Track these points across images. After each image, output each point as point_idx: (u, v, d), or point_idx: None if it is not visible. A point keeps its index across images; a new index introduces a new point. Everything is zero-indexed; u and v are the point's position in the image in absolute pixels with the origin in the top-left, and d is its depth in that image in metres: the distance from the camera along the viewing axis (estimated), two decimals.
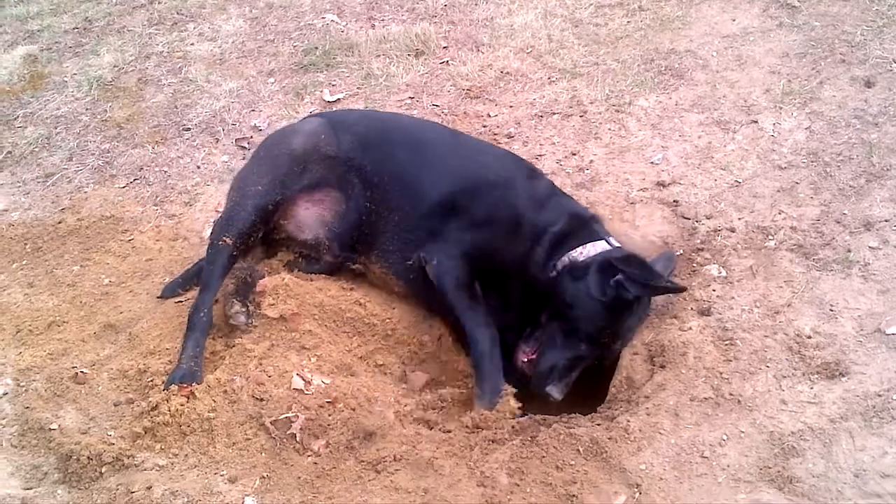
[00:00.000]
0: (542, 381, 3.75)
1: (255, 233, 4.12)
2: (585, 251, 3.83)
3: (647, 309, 3.80)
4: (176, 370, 3.71)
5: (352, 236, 4.22)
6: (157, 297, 4.28)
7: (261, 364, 3.62)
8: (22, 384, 3.79)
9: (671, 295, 3.80)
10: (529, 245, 3.92)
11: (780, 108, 4.63)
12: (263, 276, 4.03)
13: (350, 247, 4.24)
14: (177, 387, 3.56)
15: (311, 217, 4.24)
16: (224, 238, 4.01)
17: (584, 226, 3.96)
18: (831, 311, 3.46)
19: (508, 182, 4.04)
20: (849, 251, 3.68)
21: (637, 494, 2.98)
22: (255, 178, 4.18)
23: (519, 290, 3.99)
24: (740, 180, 4.26)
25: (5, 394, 3.75)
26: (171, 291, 4.31)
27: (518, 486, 3.10)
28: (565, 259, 3.83)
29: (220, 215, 4.28)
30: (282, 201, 4.14)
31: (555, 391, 3.73)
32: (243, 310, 3.91)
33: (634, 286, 3.61)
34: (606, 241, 3.89)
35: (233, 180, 4.36)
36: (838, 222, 3.84)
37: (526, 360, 3.89)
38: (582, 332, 3.73)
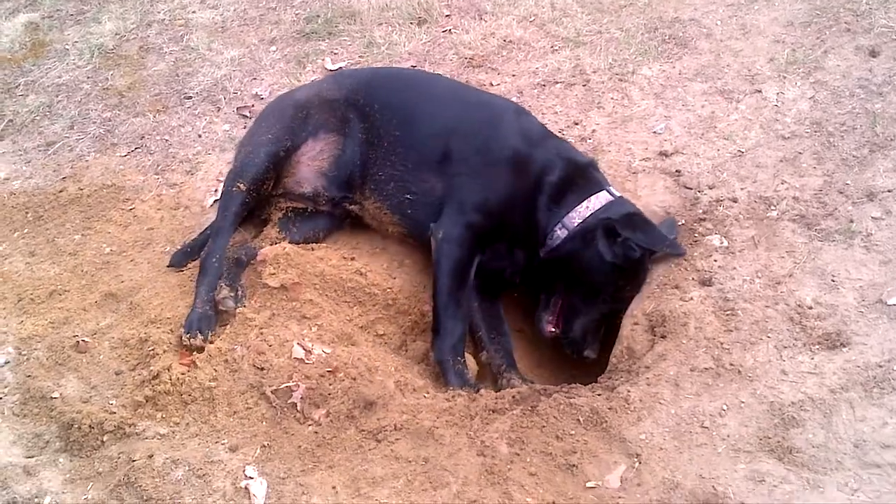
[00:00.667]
0: (577, 347, 3.95)
1: (267, 180, 4.24)
2: (590, 206, 3.89)
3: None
4: (191, 314, 3.85)
5: (348, 174, 4.31)
6: (167, 267, 4.29)
7: (262, 333, 3.63)
8: (23, 353, 3.79)
9: (673, 264, 3.80)
10: (532, 190, 3.98)
11: (784, 77, 4.60)
12: (256, 255, 4.07)
13: (346, 185, 4.32)
14: (193, 335, 3.74)
15: (311, 171, 4.33)
16: (238, 184, 4.15)
17: (582, 174, 4.01)
18: (833, 281, 3.45)
19: (497, 117, 4.19)
20: (851, 221, 3.66)
21: (637, 464, 2.99)
22: (265, 128, 4.35)
23: (524, 253, 4.06)
24: (743, 150, 4.25)
25: (7, 363, 3.75)
26: (179, 260, 4.32)
27: (518, 455, 3.11)
28: (569, 221, 3.88)
29: (231, 167, 4.39)
30: (291, 147, 4.28)
31: (591, 353, 3.96)
32: (231, 294, 3.95)
33: (638, 248, 3.73)
34: (608, 192, 3.95)
35: (242, 138, 4.53)
36: (841, 192, 3.82)
37: (552, 329, 4.00)
38: (602, 294, 3.88)
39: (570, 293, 3.93)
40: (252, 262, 4.07)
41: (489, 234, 4.00)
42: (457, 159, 4.05)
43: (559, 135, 4.52)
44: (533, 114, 4.44)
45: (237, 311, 3.84)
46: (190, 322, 3.80)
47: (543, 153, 4.02)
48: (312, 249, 4.12)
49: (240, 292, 3.98)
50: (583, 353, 3.95)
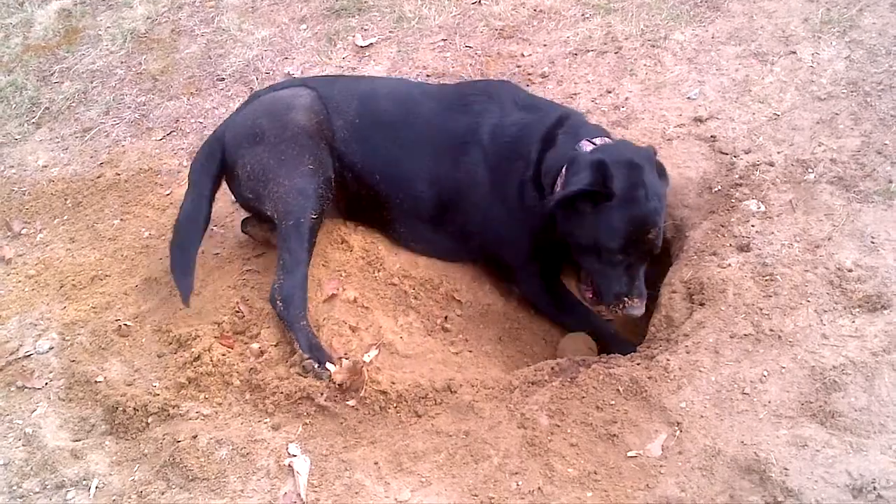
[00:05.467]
0: (616, 308, 3.73)
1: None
2: (563, 174, 3.76)
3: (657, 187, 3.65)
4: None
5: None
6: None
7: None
8: (67, 338, 3.86)
9: (710, 230, 3.76)
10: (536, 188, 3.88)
11: (819, 37, 4.54)
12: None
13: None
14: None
15: None
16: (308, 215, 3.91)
17: (553, 141, 3.86)
18: (872, 243, 3.41)
19: (471, 146, 3.99)
20: (890, 182, 3.62)
21: (677, 432, 2.98)
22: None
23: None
24: (779, 113, 4.20)
25: (51, 348, 3.82)
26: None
27: (558, 426, 3.11)
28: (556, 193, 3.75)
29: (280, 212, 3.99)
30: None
31: (634, 311, 3.70)
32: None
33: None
34: (577, 148, 3.78)
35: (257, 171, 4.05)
36: (879, 153, 3.77)
37: (590, 296, 3.90)
38: (613, 250, 3.64)
39: (585, 259, 3.81)
40: None
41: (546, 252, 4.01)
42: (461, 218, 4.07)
43: (593, 102, 4.50)
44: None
45: None
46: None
47: (520, 148, 3.90)
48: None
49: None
50: (626, 313, 3.73)
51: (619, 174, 3.53)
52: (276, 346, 3.64)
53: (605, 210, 3.56)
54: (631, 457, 2.96)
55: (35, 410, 3.57)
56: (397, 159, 4.06)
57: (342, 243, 4.05)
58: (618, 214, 3.56)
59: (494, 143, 3.92)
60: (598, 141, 3.76)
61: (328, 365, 3.45)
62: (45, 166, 5.16)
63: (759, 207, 3.74)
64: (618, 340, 3.85)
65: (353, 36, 5.63)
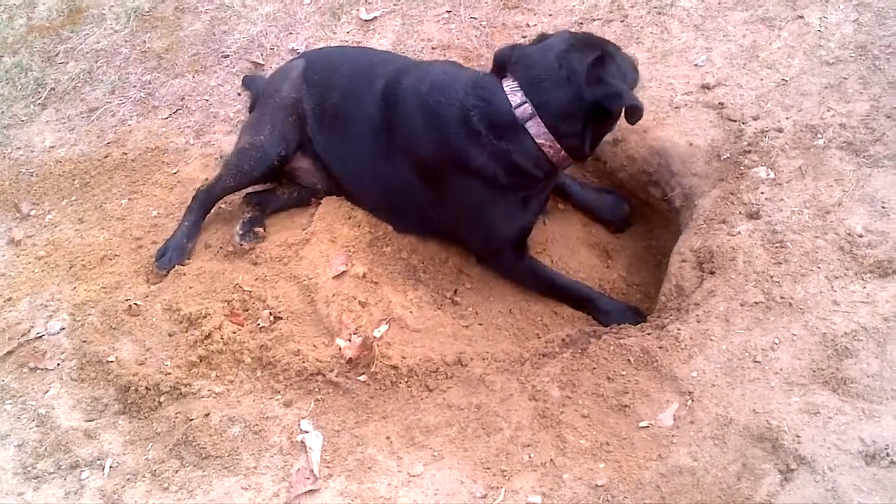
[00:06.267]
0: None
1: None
2: None
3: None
4: (168, 242, 4.22)
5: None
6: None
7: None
8: (78, 319, 3.87)
9: (719, 200, 3.74)
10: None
11: (827, 1, 4.49)
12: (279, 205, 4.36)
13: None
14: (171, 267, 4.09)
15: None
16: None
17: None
18: (883, 208, 3.38)
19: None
20: None
21: (689, 402, 2.98)
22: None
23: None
24: (787, 78, 4.16)
25: (63, 329, 3.84)
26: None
27: (570, 398, 3.12)
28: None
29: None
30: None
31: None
32: (240, 231, 4.14)
33: None
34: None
35: None
36: (889, 117, 3.74)
37: None
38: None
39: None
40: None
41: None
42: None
43: None
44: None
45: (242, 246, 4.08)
46: (163, 249, 4.19)
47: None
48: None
49: (253, 233, 4.15)
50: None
51: None
52: (285, 321, 3.65)
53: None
54: (643, 427, 2.96)
55: (48, 391, 3.59)
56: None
57: (349, 219, 4.05)
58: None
59: None
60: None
61: (338, 341, 3.47)
62: (52, 147, 5.16)
63: (769, 174, 3.72)
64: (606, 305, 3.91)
65: (357, 10, 5.59)
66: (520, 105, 3.50)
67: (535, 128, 3.49)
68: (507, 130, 3.52)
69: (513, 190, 3.66)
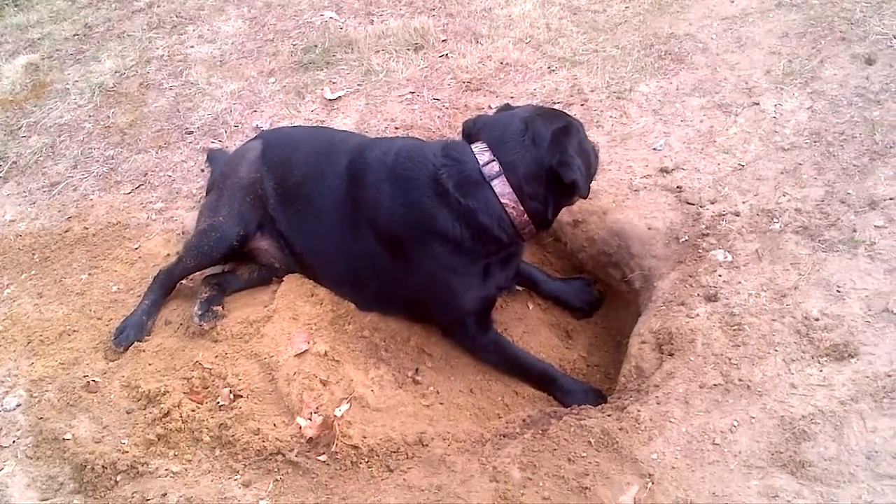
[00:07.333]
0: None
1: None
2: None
3: None
4: (129, 318, 4.21)
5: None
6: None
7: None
8: (35, 395, 3.82)
9: (678, 282, 3.79)
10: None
11: (782, 88, 4.61)
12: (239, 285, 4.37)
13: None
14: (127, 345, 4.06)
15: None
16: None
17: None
18: (838, 291, 3.45)
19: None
20: (854, 231, 3.66)
21: (649, 484, 2.98)
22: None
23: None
24: (743, 163, 4.25)
25: (19, 405, 3.79)
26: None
27: (531, 479, 3.10)
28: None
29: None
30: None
31: None
32: (199, 312, 4.09)
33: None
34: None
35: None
36: (843, 202, 3.82)
37: None
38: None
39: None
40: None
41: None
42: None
43: None
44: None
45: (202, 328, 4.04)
46: (122, 327, 4.16)
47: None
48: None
49: (211, 312, 4.11)
50: None
51: None
52: (245, 399, 3.63)
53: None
54: None
55: (2, 469, 3.52)
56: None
57: (311, 296, 4.06)
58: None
59: None
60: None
61: (298, 420, 3.46)
62: (13, 221, 5.13)
63: (726, 257, 3.78)
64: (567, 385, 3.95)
65: (322, 89, 5.67)
66: (488, 163, 3.59)
67: (501, 186, 3.57)
68: (473, 187, 3.58)
69: (476, 256, 3.70)
